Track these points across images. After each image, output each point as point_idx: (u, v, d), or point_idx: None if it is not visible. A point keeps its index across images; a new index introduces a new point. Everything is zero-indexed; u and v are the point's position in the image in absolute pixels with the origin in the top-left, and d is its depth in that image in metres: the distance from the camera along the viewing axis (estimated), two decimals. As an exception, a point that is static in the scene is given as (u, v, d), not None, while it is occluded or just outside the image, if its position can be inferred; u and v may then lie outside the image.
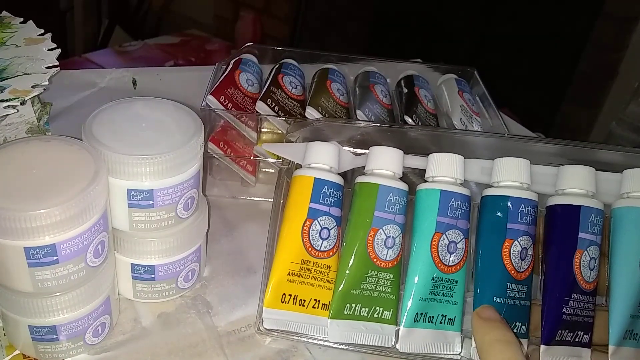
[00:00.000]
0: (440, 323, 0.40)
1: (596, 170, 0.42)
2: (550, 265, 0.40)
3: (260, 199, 0.58)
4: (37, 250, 0.33)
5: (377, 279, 0.41)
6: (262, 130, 0.56)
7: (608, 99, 1.42)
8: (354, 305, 0.40)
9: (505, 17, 1.49)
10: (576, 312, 0.39)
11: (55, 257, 0.34)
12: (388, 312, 0.41)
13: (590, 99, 1.45)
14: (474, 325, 0.38)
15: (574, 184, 0.41)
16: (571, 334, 0.39)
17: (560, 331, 0.39)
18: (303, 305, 0.41)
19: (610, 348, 0.38)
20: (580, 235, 0.40)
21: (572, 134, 1.49)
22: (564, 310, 0.39)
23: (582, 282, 0.39)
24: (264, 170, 0.60)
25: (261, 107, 0.54)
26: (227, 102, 0.54)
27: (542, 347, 0.39)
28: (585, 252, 0.39)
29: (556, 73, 1.48)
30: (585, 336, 0.40)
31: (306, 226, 0.41)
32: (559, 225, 0.40)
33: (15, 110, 0.47)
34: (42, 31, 0.57)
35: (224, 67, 0.60)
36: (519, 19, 1.47)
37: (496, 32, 1.51)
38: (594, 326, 0.40)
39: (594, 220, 0.40)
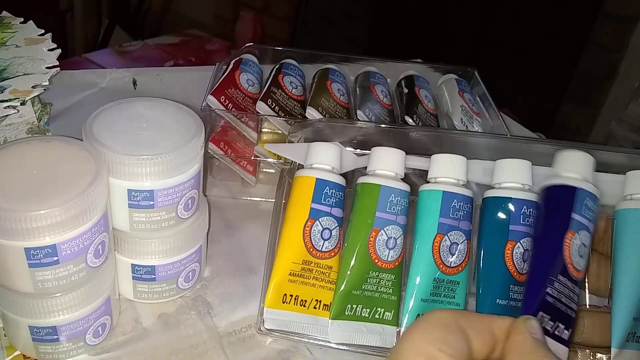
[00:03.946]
0: (442, 324, 0.40)
1: (597, 171, 0.41)
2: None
3: (261, 199, 0.58)
4: (38, 251, 0.33)
5: (378, 279, 0.40)
6: (263, 130, 0.56)
7: (608, 99, 1.42)
8: (355, 306, 0.40)
9: (505, 17, 1.49)
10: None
11: (55, 258, 0.34)
12: (389, 313, 0.41)
13: (590, 99, 1.45)
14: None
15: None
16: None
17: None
18: (304, 306, 0.41)
19: (613, 351, 0.38)
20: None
21: (572, 134, 1.49)
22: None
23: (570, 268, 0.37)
24: (264, 170, 0.60)
25: (261, 107, 0.54)
26: (227, 102, 0.54)
27: None
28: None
29: (556, 73, 1.47)
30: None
31: (308, 226, 0.41)
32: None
33: (16, 111, 0.47)
34: (42, 31, 0.56)
35: (224, 67, 0.60)
36: (519, 19, 1.47)
37: (496, 32, 1.50)
38: (598, 329, 0.40)
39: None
